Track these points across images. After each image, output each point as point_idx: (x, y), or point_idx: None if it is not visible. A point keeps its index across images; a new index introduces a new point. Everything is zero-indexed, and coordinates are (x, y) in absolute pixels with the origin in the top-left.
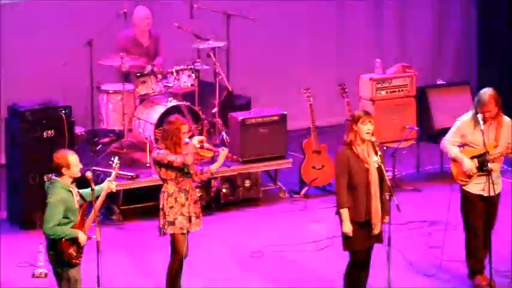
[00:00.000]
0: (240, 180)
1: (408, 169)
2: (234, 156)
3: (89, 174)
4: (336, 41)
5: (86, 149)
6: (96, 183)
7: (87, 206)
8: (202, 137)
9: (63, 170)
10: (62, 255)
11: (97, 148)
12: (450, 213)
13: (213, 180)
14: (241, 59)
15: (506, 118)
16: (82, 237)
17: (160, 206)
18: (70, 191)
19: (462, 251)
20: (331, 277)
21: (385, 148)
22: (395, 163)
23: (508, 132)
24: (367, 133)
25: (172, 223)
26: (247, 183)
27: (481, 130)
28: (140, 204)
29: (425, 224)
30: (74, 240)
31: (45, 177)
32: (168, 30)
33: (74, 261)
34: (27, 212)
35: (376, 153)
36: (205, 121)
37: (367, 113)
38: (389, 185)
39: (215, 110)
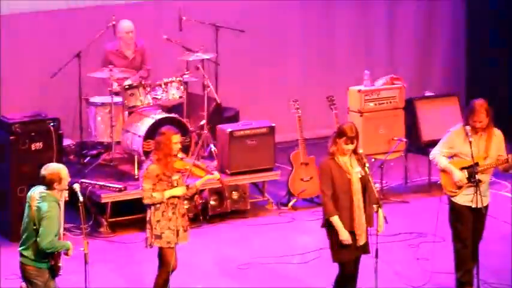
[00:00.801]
0: (227, 192)
1: (396, 181)
2: (225, 181)
3: (76, 186)
4: (324, 52)
5: (74, 161)
6: (84, 196)
7: None
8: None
9: (55, 185)
10: (53, 268)
11: (85, 160)
12: (438, 225)
13: (196, 196)
14: (229, 71)
15: (496, 130)
16: (71, 249)
17: (147, 219)
18: (59, 204)
19: (450, 263)
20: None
21: (373, 160)
22: (383, 175)
23: (499, 144)
24: (347, 151)
25: (159, 237)
26: (235, 195)
27: (469, 141)
28: (128, 216)
29: (412, 236)
30: (59, 252)
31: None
32: (156, 42)
33: (58, 271)
34: (15, 224)
35: (363, 165)
36: (194, 133)
37: (351, 132)
38: (376, 196)
39: (203, 122)
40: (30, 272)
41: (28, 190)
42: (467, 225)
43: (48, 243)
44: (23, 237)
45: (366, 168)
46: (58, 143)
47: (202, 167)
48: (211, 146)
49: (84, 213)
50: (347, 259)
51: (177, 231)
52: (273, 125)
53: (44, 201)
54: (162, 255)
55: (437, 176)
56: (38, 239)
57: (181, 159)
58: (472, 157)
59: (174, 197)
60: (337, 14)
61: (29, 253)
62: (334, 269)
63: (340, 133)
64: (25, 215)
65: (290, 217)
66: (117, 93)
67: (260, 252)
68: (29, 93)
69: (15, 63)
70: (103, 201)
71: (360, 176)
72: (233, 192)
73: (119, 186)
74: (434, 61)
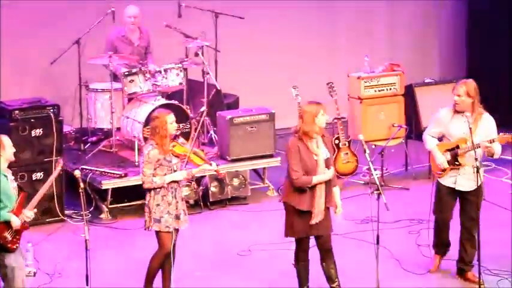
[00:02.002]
0: (228, 179)
1: (396, 167)
2: (222, 173)
3: (77, 172)
4: (324, 38)
5: (75, 147)
6: (84, 182)
7: (26, 196)
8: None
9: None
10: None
11: (85, 147)
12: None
13: (193, 183)
14: (229, 58)
15: (487, 115)
16: (15, 221)
17: (146, 202)
18: (5, 176)
19: (451, 249)
20: (318, 275)
21: (373, 146)
22: (384, 161)
23: (486, 129)
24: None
25: (158, 221)
26: (236, 181)
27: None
28: (129, 202)
29: (413, 223)
30: (9, 225)
31: None
32: (156, 29)
33: (8, 245)
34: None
35: (364, 151)
36: (194, 120)
37: (318, 104)
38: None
39: (203, 108)
40: None
41: (28, 177)
42: (445, 207)
43: None
44: None
45: (367, 154)
46: (58, 129)
47: (201, 155)
48: (212, 132)
49: (85, 199)
50: (300, 236)
51: (177, 215)
52: (273, 111)
53: None
54: (158, 238)
55: None
56: None
57: (182, 144)
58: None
59: (174, 181)
60: (338, 1)
61: None
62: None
63: (302, 116)
64: None
65: None
66: (115, 75)
67: (260, 238)
68: (29, 79)
69: (15, 49)
70: (104, 187)
71: (325, 157)
72: (234, 178)
73: (120, 172)
74: (435, 47)
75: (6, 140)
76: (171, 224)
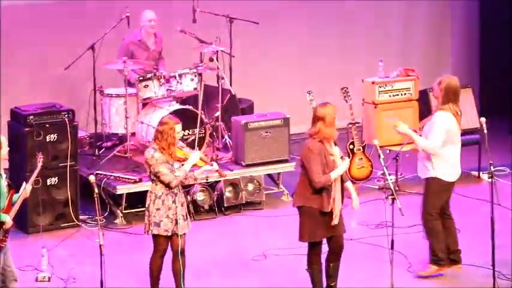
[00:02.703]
0: (243, 184)
1: (411, 172)
2: (224, 173)
3: (92, 178)
4: (338, 43)
5: (89, 152)
6: (99, 187)
7: (14, 192)
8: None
9: None
10: None
11: (100, 152)
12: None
13: (195, 185)
14: (244, 63)
15: (439, 113)
16: (9, 221)
17: (146, 205)
18: (1, 175)
19: (466, 254)
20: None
21: (388, 151)
22: (398, 166)
23: (429, 124)
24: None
25: (158, 224)
26: (250, 186)
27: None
28: (143, 208)
29: None
30: (1, 224)
31: None
32: (170, 34)
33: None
34: (31, 216)
35: (378, 156)
36: (208, 125)
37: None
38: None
39: (218, 113)
40: None
41: (43, 182)
42: None
43: None
44: None
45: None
46: (73, 134)
47: (202, 157)
48: (226, 137)
49: (99, 204)
50: (318, 239)
51: (176, 220)
52: (288, 116)
53: None
54: (154, 241)
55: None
56: None
57: (181, 148)
58: None
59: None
60: (351, 4)
61: None
62: (349, 258)
63: (323, 118)
64: None
65: None
66: (131, 84)
67: (275, 243)
68: (44, 85)
69: (30, 54)
70: (118, 192)
71: (340, 156)
72: (248, 183)
73: (134, 177)
74: (448, 52)
75: (3, 139)
76: (170, 228)
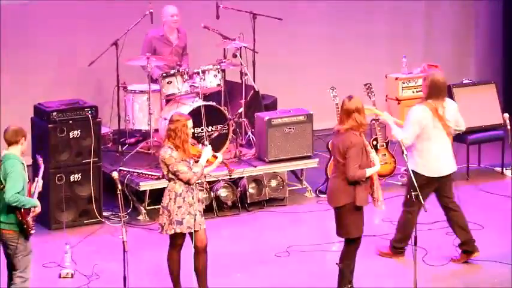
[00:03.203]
0: (266, 180)
1: None
2: (232, 169)
3: (115, 174)
4: (361, 39)
5: (112, 149)
6: (122, 184)
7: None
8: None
9: (21, 142)
10: (21, 224)
11: (123, 148)
12: (476, 212)
13: (205, 182)
14: (267, 59)
15: (415, 106)
16: (39, 206)
17: (164, 205)
18: (23, 164)
19: (490, 250)
20: (356, 277)
21: None
22: None
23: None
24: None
25: (180, 222)
26: (274, 183)
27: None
28: None
29: None
30: (30, 210)
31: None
32: (194, 29)
33: (30, 230)
34: (54, 212)
35: (402, 153)
36: (232, 121)
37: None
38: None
39: (241, 110)
40: (3, 234)
41: (66, 178)
42: None
43: (12, 196)
44: None
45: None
46: (96, 131)
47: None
48: (250, 133)
49: (123, 201)
50: (360, 234)
51: (195, 215)
52: (311, 112)
53: (7, 160)
54: (172, 238)
55: (475, 163)
56: (4, 195)
57: (193, 144)
58: None
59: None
60: (376, 3)
61: (2, 216)
62: (371, 254)
63: (359, 109)
64: None
65: (328, 205)
66: (154, 81)
67: (298, 240)
68: (67, 81)
69: (53, 51)
70: (141, 189)
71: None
72: (271, 180)
73: (157, 174)
74: (472, 48)
75: (25, 132)
76: (192, 225)
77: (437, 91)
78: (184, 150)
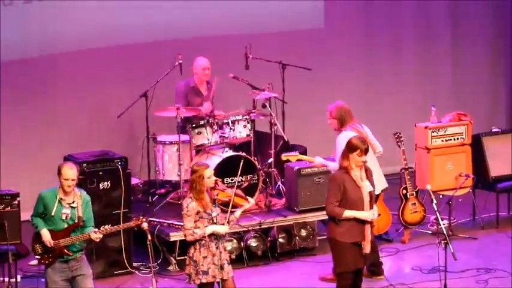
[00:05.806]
0: (296, 230)
1: (464, 217)
2: (262, 206)
3: (145, 225)
4: (390, 88)
5: (143, 200)
6: (152, 234)
7: (75, 226)
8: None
9: (59, 177)
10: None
11: (153, 199)
12: (507, 261)
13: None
14: (297, 109)
15: (339, 135)
16: (46, 235)
17: (190, 255)
18: (57, 199)
19: None
20: None
21: (440, 196)
22: (451, 211)
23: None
24: (362, 163)
25: (206, 272)
26: (304, 232)
27: None
28: None
29: (481, 272)
30: (41, 238)
31: None
32: (223, 80)
33: (37, 257)
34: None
35: (431, 201)
36: (261, 171)
37: (363, 145)
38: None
39: (271, 160)
40: None
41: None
42: None
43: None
44: None
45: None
46: (126, 182)
47: (242, 195)
48: (279, 183)
49: (153, 251)
50: (351, 269)
51: (221, 265)
52: None
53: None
54: (201, 287)
55: (504, 212)
56: None
57: (223, 190)
58: None
59: (215, 234)
60: (403, 50)
61: None
62: None
63: (352, 147)
64: None
65: None
66: (183, 127)
67: None
68: (96, 132)
69: (83, 102)
70: (171, 239)
71: (369, 190)
72: (301, 229)
73: None
74: (501, 97)
75: (65, 170)
76: (217, 274)
77: (347, 114)
78: (201, 200)
